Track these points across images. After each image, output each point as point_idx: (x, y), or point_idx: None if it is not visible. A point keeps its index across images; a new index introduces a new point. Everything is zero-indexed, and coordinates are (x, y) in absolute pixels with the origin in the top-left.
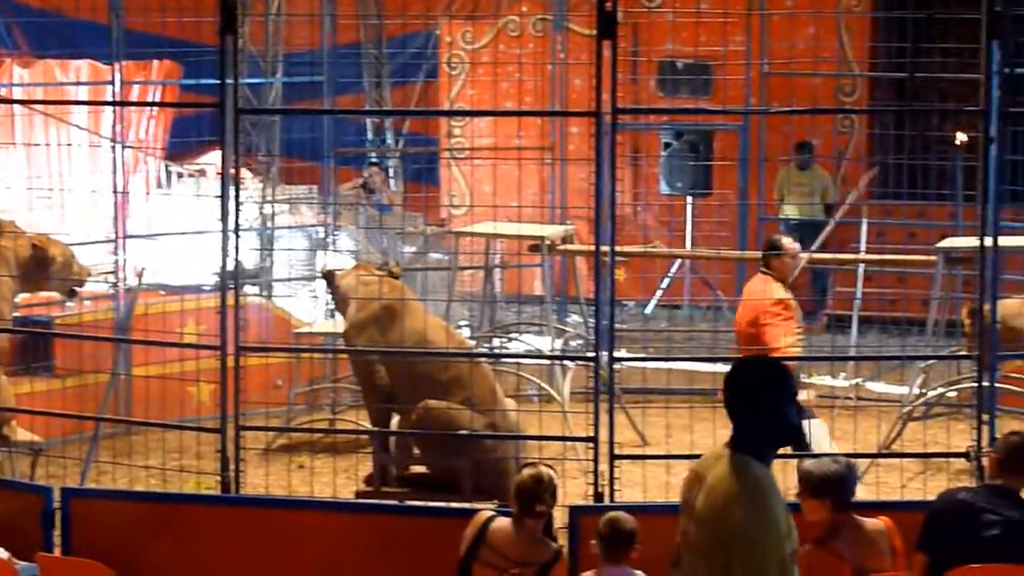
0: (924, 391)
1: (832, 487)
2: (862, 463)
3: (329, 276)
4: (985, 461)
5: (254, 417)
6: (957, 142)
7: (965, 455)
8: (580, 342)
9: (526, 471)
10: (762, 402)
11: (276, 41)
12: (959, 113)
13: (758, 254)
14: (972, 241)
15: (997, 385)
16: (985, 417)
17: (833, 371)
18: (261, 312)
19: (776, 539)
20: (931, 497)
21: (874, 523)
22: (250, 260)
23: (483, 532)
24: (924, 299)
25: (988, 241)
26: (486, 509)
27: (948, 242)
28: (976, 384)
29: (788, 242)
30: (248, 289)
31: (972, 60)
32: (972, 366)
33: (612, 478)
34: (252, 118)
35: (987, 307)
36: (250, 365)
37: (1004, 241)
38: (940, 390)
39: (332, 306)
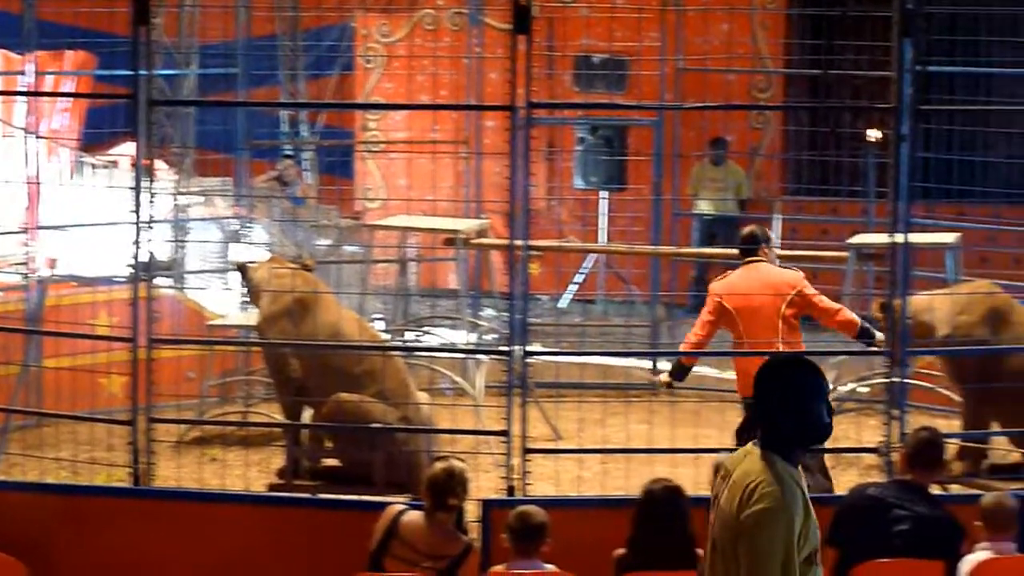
0: (835, 386)
1: None
2: None
3: (243, 268)
4: (895, 457)
5: (166, 410)
6: (870, 139)
7: (875, 450)
8: (494, 336)
9: (438, 465)
10: (795, 400)
11: (190, 32)
12: (871, 110)
13: (672, 249)
14: (884, 237)
15: (908, 381)
16: (896, 413)
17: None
18: (174, 304)
19: (787, 539)
20: (842, 492)
21: None
22: (163, 252)
23: (394, 525)
24: (836, 295)
25: (899, 238)
26: (398, 503)
27: (860, 238)
28: (887, 380)
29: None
30: (161, 281)
31: (884, 58)
32: (884, 362)
33: (524, 472)
34: (166, 109)
35: (898, 302)
36: (162, 357)
37: (915, 238)
38: (852, 385)
39: (246, 298)
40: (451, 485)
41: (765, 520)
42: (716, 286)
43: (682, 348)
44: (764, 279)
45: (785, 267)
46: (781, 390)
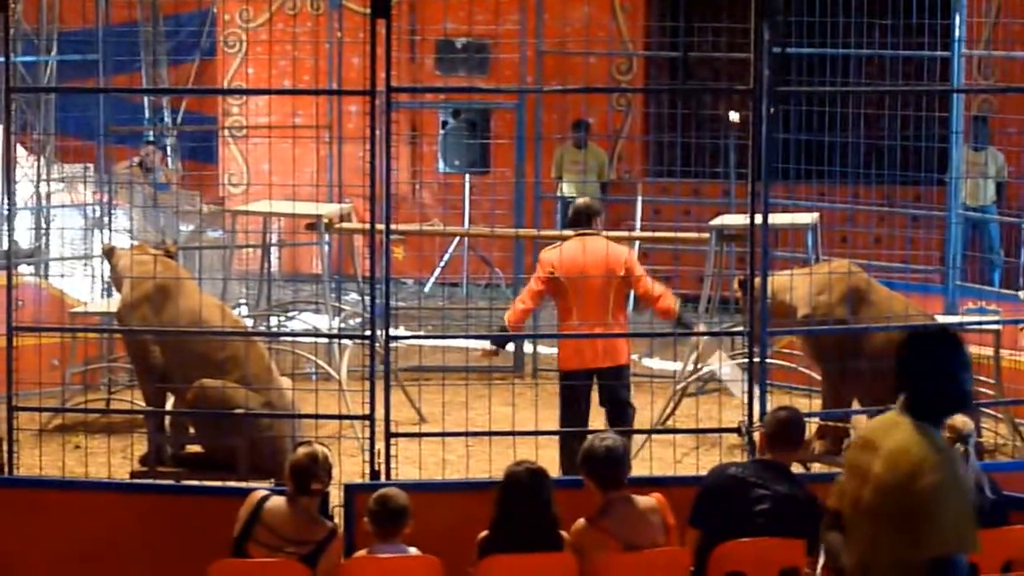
0: (698, 367)
1: (592, 466)
2: (637, 439)
3: (109, 253)
4: (756, 436)
5: (28, 397)
6: (730, 121)
7: (737, 430)
8: (358, 320)
9: (300, 450)
10: (941, 369)
11: (50, 19)
12: (731, 92)
13: (534, 231)
14: (744, 218)
15: (768, 361)
16: (756, 392)
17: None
18: (36, 292)
19: (966, 504)
20: (705, 472)
21: (646, 500)
22: (25, 239)
23: (258, 511)
24: (698, 276)
25: (759, 218)
26: (261, 488)
27: (721, 219)
28: (747, 360)
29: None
30: (23, 268)
31: (743, 40)
32: (744, 342)
33: (388, 456)
34: (26, 96)
35: (757, 281)
36: (24, 345)
37: (775, 218)
38: (714, 365)
39: (108, 285)
40: (314, 470)
41: (943, 491)
42: (548, 255)
43: (508, 315)
44: (597, 252)
45: (612, 241)
46: (932, 361)
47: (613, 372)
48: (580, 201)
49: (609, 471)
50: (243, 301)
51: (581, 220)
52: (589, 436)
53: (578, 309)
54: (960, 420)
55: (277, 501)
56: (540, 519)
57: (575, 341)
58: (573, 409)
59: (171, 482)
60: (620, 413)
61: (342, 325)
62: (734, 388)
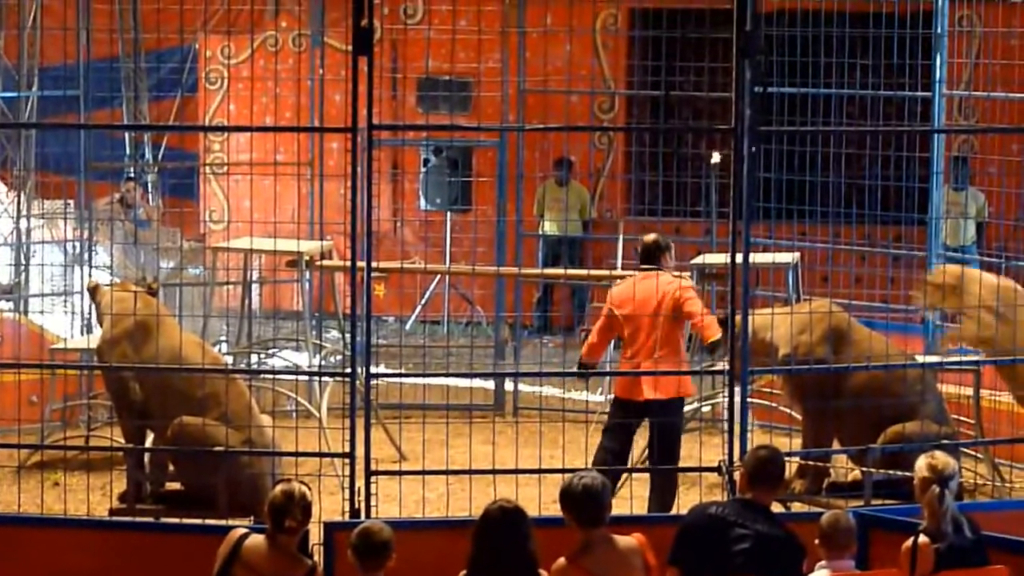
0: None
1: (570, 504)
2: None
3: (93, 290)
4: (736, 475)
5: (7, 434)
6: (711, 161)
7: (717, 469)
8: (338, 358)
9: (278, 487)
10: None
11: (31, 54)
12: (713, 131)
13: (515, 270)
14: (725, 257)
15: (749, 400)
16: (737, 431)
17: (590, 386)
18: (15, 328)
19: None
20: (685, 511)
21: (627, 540)
22: (5, 275)
23: (236, 549)
24: None
25: (740, 257)
26: (240, 526)
27: (702, 258)
28: (728, 398)
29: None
30: (2, 304)
31: (725, 79)
32: (725, 381)
33: (369, 494)
34: (6, 132)
35: (738, 318)
36: (3, 381)
37: (756, 257)
38: (695, 404)
39: (88, 321)
40: (290, 507)
41: None
42: (612, 291)
43: (583, 349)
44: (647, 288)
45: (678, 276)
46: None
47: (658, 405)
48: (650, 238)
49: (588, 509)
50: (223, 338)
51: (648, 256)
52: (568, 474)
53: (630, 343)
54: (941, 460)
55: (256, 539)
56: (517, 558)
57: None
58: (608, 434)
59: (151, 520)
60: (661, 447)
61: (323, 362)
62: None
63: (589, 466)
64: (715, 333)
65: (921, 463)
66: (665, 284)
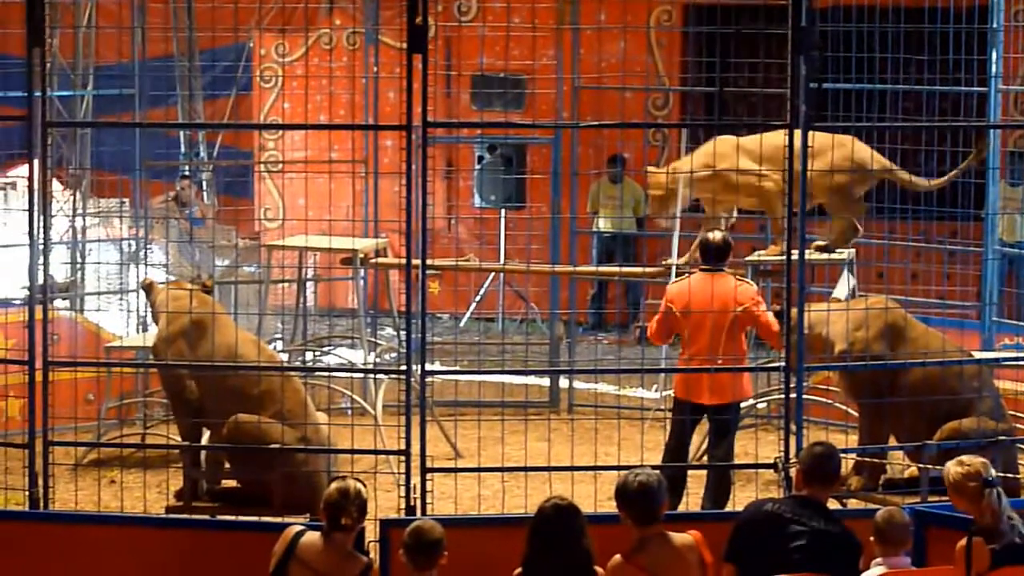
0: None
1: (627, 501)
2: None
3: (148, 288)
4: (792, 472)
5: (64, 432)
6: None
7: (773, 466)
8: (393, 355)
9: (334, 485)
10: None
11: (86, 53)
12: (767, 127)
13: (569, 267)
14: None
15: (804, 396)
16: (793, 428)
17: (644, 383)
18: (71, 326)
19: None
20: (740, 508)
21: (683, 537)
22: (60, 274)
23: (292, 547)
24: None
25: (795, 254)
26: (296, 524)
27: (757, 255)
28: (783, 395)
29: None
30: (58, 303)
31: (780, 75)
32: (780, 377)
33: (424, 491)
34: (62, 131)
35: (794, 312)
36: (60, 379)
37: (811, 254)
38: (750, 401)
39: (144, 319)
40: (345, 505)
41: None
42: (669, 288)
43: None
44: (715, 289)
45: (742, 281)
46: None
47: (717, 409)
48: (715, 235)
49: (644, 507)
50: (279, 336)
51: (718, 255)
52: (623, 472)
53: (690, 343)
54: (979, 463)
55: (312, 537)
56: (572, 555)
57: (688, 375)
58: (672, 435)
59: (207, 517)
60: (714, 451)
61: (378, 360)
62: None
63: (644, 463)
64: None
65: (956, 468)
66: (734, 288)
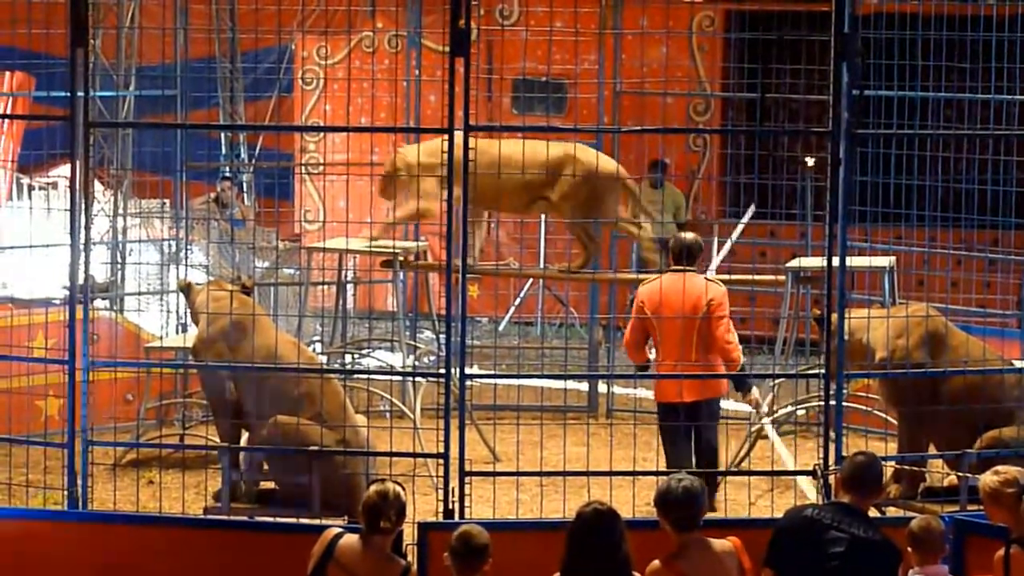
0: (773, 409)
1: (669, 506)
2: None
3: (186, 289)
4: (832, 479)
5: (103, 432)
6: (807, 164)
7: (812, 473)
8: (432, 358)
9: (372, 488)
10: None
11: (129, 54)
12: (809, 134)
13: (610, 274)
14: (821, 261)
15: (844, 404)
16: (832, 435)
17: None
18: (111, 326)
19: None
20: (779, 515)
21: (722, 543)
22: (101, 274)
23: (331, 549)
24: (774, 318)
25: (836, 261)
26: (334, 526)
27: (797, 261)
28: (823, 402)
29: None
30: (98, 303)
31: (822, 82)
32: (820, 384)
33: (463, 495)
34: (104, 131)
35: (834, 317)
36: (99, 379)
37: (852, 261)
38: (789, 408)
39: (183, 320)
40: (383, 508)
41: None
42: (640, 290)
43: (629, 352)
44: (678, 290)
45: (711, 280)
46: None
47: (695, 407)
48: (687, 236)
49: (687, 512)
50: (318, 338)
51: (689, 256)
52: (663, 477)
53: (663, 342)
54: (1015, 471)
55: (350, 539)
56: (611, 560)
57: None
58: (663, 438)
59: (245, 519)
60: (701, 448)
61: (417, 363)
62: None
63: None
64: (737, 360)
65: (992, 477)
66: (705, 286)
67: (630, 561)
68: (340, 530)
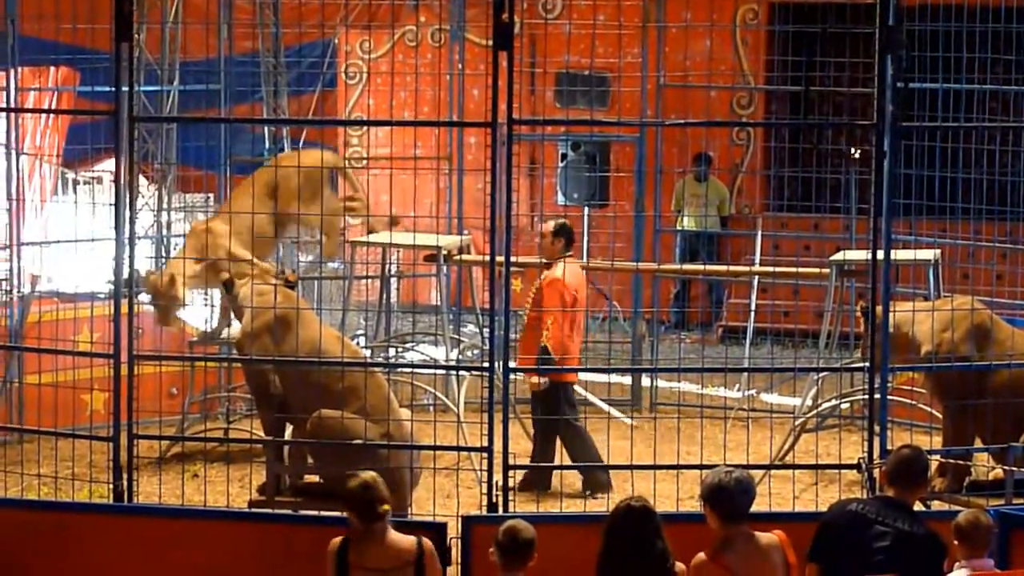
0: (817, 402)
1: (719, 499)
2: (755, 474)
3: (228, 284)
4: (876, 473)
5: (148, 426)
6: (852, 155)
7: (856, 466)
8: (475, 352)
9: (352, 483)
10: None
11: (173, 49)
12: (853, 127)
13: (653, 265)
14: (865, 254)
15: (888, 397)
16: (876, 429)
17: (727, 382)
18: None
19: None
20: (823, 508)
21: (768, 537)
22: (145, 268)
23: (343, 557)
24: (818, 311)
25: (880, 254)
26: (335, 539)
27: (841, 255)
28: (867, 396)
29: None
30: (143, 297)
31: (866, 74)
32: (864, 378)
33: (506, 488)
34: (148, 126)
35: (879, 310)
36: (144, 373)
37: (896, 254)
38: (833, 402)
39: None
40: (374, 494)
41: None
42: (566, 279)
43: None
44: (577, 270)
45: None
46: None
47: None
48: (562, 221)
49: (737, 504)
50: (362, 332)
51: (570, 242)
52: (709, 471)
53: (577, 325)
54: None
55: (354, 540)
56: (647, 555)
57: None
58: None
59: (289, 512)
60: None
61: (460, 357)
62: None
63: (726, 462)
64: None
65: None
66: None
67: (667, 555)
68: (340, 539)
